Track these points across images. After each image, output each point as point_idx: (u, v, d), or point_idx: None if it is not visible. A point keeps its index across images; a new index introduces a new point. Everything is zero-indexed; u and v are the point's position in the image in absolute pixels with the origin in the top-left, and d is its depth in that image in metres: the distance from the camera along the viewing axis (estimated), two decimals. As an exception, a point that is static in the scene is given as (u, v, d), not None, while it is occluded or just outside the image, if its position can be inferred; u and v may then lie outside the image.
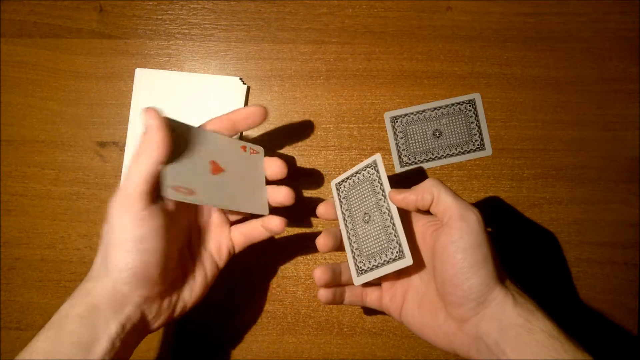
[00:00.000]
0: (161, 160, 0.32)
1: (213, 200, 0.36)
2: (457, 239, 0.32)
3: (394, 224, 0.35)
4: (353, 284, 0.37)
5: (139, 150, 0.32)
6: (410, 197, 0.35)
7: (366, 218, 0.37)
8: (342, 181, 0.40)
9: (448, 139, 0.47)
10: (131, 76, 0.48)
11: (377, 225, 0.36)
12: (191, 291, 0.37)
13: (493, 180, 0.47)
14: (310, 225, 0.47)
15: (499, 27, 0.48)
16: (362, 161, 0.47)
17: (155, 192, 0.33)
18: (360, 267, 0.37)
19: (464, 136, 0.47)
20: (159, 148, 0.32)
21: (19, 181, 0.48)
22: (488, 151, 0.47)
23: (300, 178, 0.47)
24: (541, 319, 0.31)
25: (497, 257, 0.33)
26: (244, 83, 0.48)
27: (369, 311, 0.46)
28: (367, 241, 0.37)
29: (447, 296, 0.33)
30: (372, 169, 0.38)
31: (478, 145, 0.47)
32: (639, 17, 0.48)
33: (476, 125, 0.47)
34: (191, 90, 0.48)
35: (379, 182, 0.37)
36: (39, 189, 0.48)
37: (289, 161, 0.47)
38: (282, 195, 0.38)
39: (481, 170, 0.47)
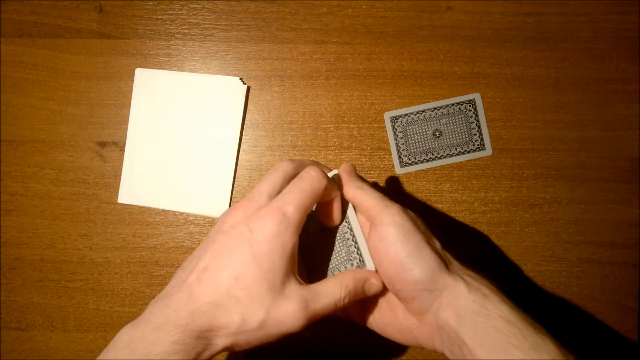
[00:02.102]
0: (309, 209, 0.31)
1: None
2: (384, 234, 0.31)
3: (353, 235, 0.35)
4: None
5: (303, 186, 0.31)
6: (350, 182, 0.34)
7: (323, 235, 0.36)
8: None
9: (448, 139, 0.47)
10: (131, 76, 0.48)
11: (335, 239, 0.35)
12: None
13: (493, 180, 0.47)
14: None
15: (499, 27, 0.48)
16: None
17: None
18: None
19: (464, 136, 0.47)
20: (314, 198, 0.31)
21: (19, 181, 0.48)
22: (488, 151, 0.47)
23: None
24: (497, 304, 0.29)
25: (435, 243, 0.33)
26: (244, 83, 0.48)
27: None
28: (327, 256, 0.36)
29: (398, 293, 0.32)
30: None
31: (478, 145, 0.47)
32: (639, 17, 0.48)
33: (476, 125, 0.47)
34: (191, 90, 0.48)
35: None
36: (39, 189, 0.48)
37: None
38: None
39: (481, 170, 0.47)
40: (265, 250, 0.29)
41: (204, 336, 0.28)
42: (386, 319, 0.35)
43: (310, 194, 0.31)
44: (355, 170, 0.36)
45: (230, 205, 0.47)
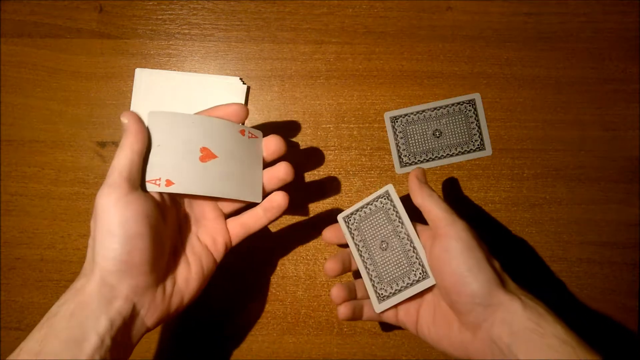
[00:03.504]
0: (139, 149, 0.33)
1: (196, 188, 0.35)
2: (448, 246, 0.34)
3: (414, 247, 0.37)
4: (367, 300, 0.39)
5: (119, 147, 0.34)
6: (421, 189, 0.37)
7: (384, 245, 0.38)
8: (351, 214, 0.40)
9: (448, 139, 0.47)
10: (131, 76, 0.48)
11: (396, 250, 0.38)
12: (187, 284, 0.36)
13: (493, 180, 0.47)
14: (310, 225, 0.47)
15: (499, 27, 0.48)
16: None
17: (140, 180, 0.34)
18: (382, 294, 0.38)
19: (464, 136, 0.47)
20: (136, 138, 0.33)
21: (19, 181, 0.48)
22: (488, 151, 0.47)
23: (301, 179, 0.47)
24: (552, 323, 0.31)
25: (494, 262, 0.34)
26: (244, 83, 0.48)
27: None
28: (387, 267, 0.38)
29: (454, 305, 0.34)
30: (385, 199, 0.39)
31: (478, 145, 0.47)
32: (639, 17, 0.48)
33: (476, 125, 0.47)
34: (191, 90, 0.48)
35: (394, 210, 0.38)
36: (39, 189, 0.48)
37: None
38: (281, 171, 0.38)
39: (481, 170, 0.47)
40: (112, 220, 0.31)
41: (116, 309, 0.31)
42: (441, 332, 0.36)
43: (129, 145, 0.33)
44: (425, 176, 0.38)
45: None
